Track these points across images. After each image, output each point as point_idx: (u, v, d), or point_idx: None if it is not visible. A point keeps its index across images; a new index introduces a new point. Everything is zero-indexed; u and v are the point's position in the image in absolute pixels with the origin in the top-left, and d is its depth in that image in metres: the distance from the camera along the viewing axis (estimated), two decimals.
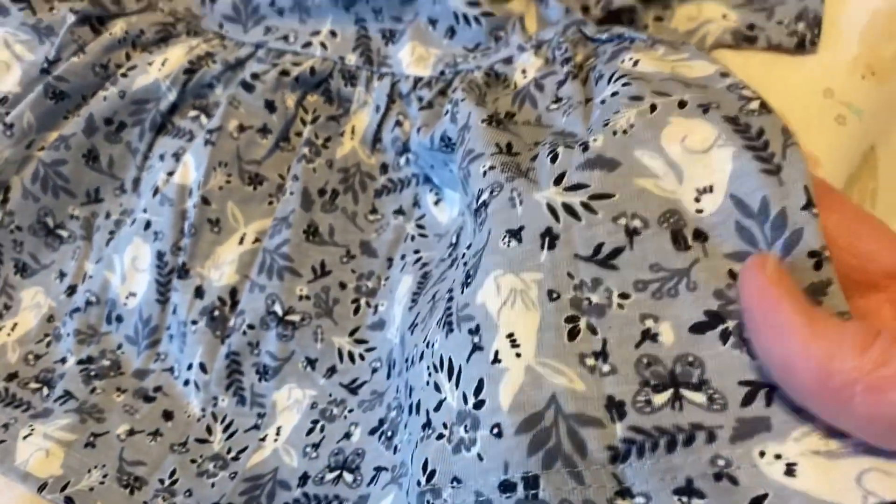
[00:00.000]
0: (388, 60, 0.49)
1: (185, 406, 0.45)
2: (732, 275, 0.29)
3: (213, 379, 0.44)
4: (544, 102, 0.41)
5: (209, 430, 0.43)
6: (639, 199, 0.31)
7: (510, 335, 0.30)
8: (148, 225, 0.47)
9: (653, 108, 0.33)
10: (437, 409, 0.31)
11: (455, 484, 0.29)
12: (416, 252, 0.45)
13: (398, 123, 0.48)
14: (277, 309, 0.44)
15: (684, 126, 0.32)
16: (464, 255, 0.36)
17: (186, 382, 0.45)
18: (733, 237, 0.29)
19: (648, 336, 0.29)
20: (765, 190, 0.29)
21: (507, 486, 0.28)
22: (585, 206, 0.31)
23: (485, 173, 0.36)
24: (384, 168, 0.48)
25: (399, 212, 0.47)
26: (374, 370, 0.43)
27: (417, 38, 0.49)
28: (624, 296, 0.30)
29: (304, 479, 0.39)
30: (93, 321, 0.48)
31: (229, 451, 0.42)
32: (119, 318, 0.47)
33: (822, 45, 0.47)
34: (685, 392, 0.28)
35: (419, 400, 0.34)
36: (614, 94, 0.35)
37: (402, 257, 0.45)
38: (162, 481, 0.41)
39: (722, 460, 0.26)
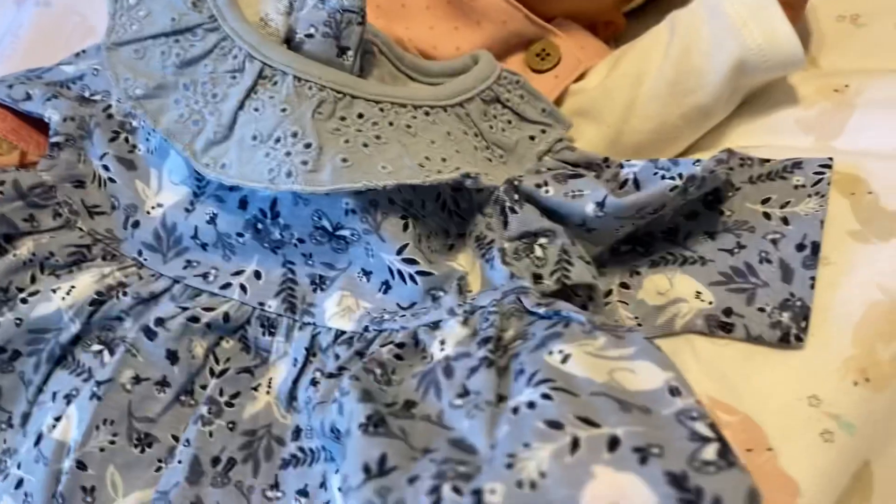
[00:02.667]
0: (313, 309, 0.44)
1: None
2: None
3: None
4: (449, 394, 0.34)
5: None
6: None
7: None
8: (20, 483, 0.41)
9: (574, 444, 0.26)
10: None
11: None
12: None
13: (314, 382, 0.42)
14: None
15: (613, 485, 0.24)
16: None
17: None
18: None
19: None
20: None
21: None
22: None
23: None
24: (297, 433, 0.42)
25: (303, 493, 0.40)
26: None
27: (349, 287, 0.44)
28: None
29: None
30: None
31: None
32: None
33: (809, 341, 0.41)
34: None
35: None
36: (530, 404, 0.28)
37: None
38: None
39: None
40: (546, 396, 0.28)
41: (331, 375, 0.40)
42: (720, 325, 0.42)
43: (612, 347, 0.32)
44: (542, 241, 0.43)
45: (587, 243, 0.44)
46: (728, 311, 0.42)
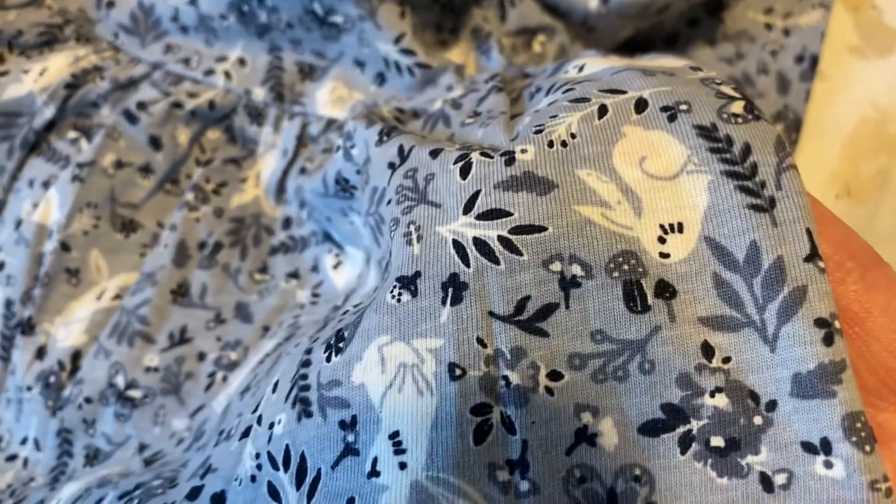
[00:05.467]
0: (303, 99, 0.42)
1: None
2: (707, 350, 0.21)
3: (43, 459, 0.38)
4: (458, 119, 0.32)
5: None
6: (580, 234, 0.22)
7: (394, 434, 0.22)
8: (1, 266, 0.40)
9: (602, 110, 0.25)
10: None
11: None
12: (296, 317, 0.38)
13: (303, 171, 0.41)
14: (119, 381, 0.37)
15: (643, 142, 0.24)
16: (345, 312, 0.28)
17: (12, 457, 0.38)
18: (710, 295, 0.22)
19: (584, 437, 0.21)
20: (754, 233, 0.21)
21: None
22: (506, 242, 0.23)
23: (388, 217, 0.27)
24: (287, 223, 0.42)
25: (293, 275, 0.40)
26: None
27: (342, 79, 0.42)
28: (555, 375, 0.22)
29: None
30: None
31: None
32: None
33: (798, 153, 0.41)
34: None
35: (219, 492, 0.25)
36: (552, 102, 0.27)
37: (280, 324, 0.38)
38: None
39: None
40: (569, 90, 0.27)
41: (324, 151, 0.39)
42: None
43: (627, 59, 0.31)
44: (541, 37, 0.41)
45: (585, 46, 0.43)
46: None
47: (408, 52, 0.40)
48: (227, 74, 0.42)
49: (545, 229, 0.23)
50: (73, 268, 0.40)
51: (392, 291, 0.23)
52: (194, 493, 0.26)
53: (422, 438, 0.21)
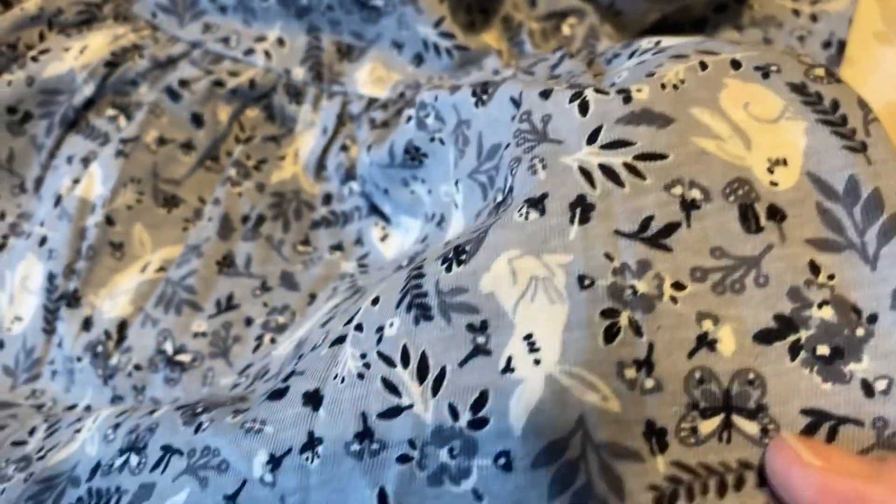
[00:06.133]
0: (342, 78, 0.43)
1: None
2: (814, 268, 0.23)
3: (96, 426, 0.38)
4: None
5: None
6: (699, 162, 0.24)
7: (528, 336, 0.23)
8: (43, 241, 0.41)
9: (703, 65, 0.27)
10: (388, 415, 0.24)
11: None
12: (352, 281, 0.39)
13: (344, 148, 0.42)
14: (168, 347, 0.38)
15: (744, 91, 0.26)
16: (448, 242, 0.28)
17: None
18: (815, 221, 0.24)
19: (705, 343, 0.23)
20: (851, 169, 0.24)
21: None
22: (630, 168, 0.24)
23: (508, 160, 0.28)
24: (327, 199, 0.42)
25: (337, 247, 0.41)
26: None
27: (380, 59, 0.43)
28: (678, 286, 0.23)
29: (95, 469, 0.30)
30: None
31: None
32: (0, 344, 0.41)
33: None
34: (737, 420, 0.22)
35: (312, 390, 0.26)
36: (643, 62, 0.28)
37: (334, 289, 0.39)
38: None
39: None
40: (660, 51, 0.29)
41: (375, 128, 0.40)
42: None
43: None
44: (571, 20, 0.42)
45: (613, 30, 0.43)
46: None
47: (447, 34, 0.40)
48: (267, 54, 0.43)
49: (666, 157, 0.24)
50: (117, 241, 0.40)
51: (520, 210, 0.25)
52: (277, 394, 0.26)
53: (554, 339, 0.23)
